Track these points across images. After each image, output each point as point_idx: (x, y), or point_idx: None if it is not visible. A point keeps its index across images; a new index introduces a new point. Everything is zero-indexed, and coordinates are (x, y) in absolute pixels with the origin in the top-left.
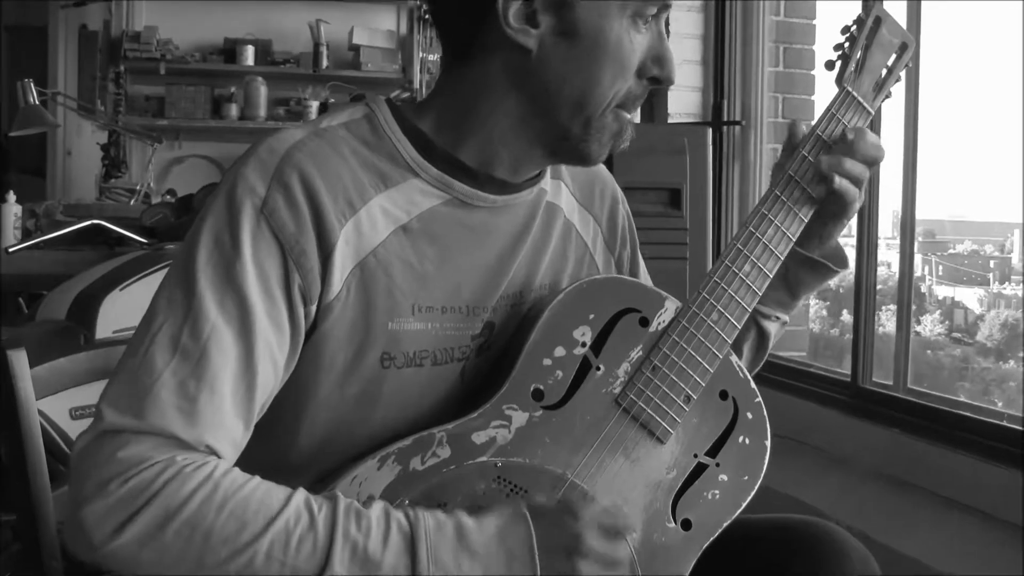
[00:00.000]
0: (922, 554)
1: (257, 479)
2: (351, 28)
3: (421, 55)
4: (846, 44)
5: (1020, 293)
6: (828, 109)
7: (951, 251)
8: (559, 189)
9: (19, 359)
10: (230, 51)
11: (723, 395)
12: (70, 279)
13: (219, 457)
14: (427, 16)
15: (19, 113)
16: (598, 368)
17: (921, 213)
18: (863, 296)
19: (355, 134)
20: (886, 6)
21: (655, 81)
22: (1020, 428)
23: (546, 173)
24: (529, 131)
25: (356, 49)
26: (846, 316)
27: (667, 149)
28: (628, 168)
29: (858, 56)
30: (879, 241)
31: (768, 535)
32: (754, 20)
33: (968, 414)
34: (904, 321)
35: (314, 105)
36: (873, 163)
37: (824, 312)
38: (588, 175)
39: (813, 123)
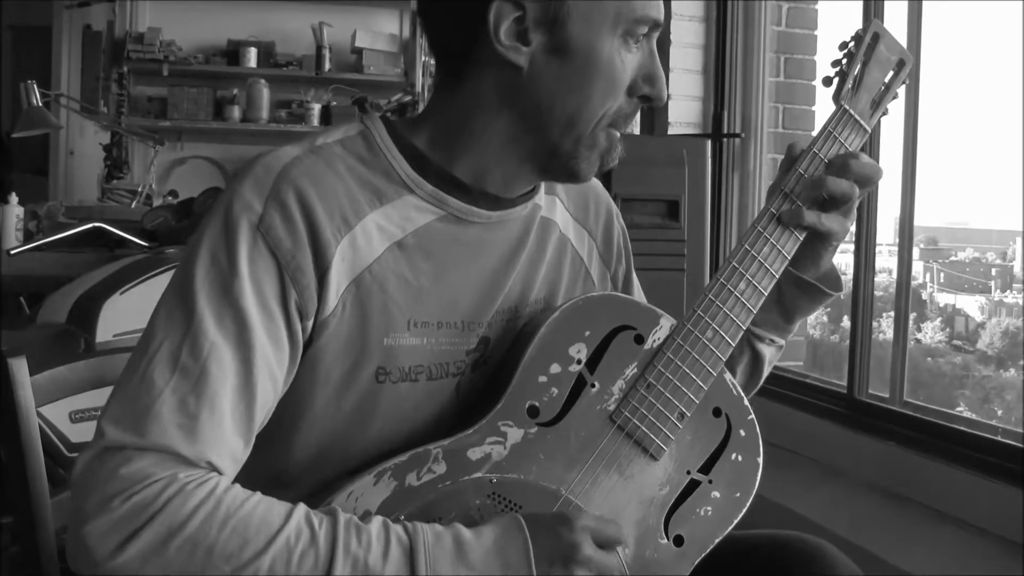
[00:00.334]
0: (915, 568)
1: (259, 495)
2: (354, 31)
3: (423, 58)
4: (844, 61)
5: (1021, 301)
6: (825, 127)
7: (953, 258)
8: (554, 204)
9: (19, 367)
10: (233, 53)
11: (716, 412)
12: (71, 282)
13: (220, 473)
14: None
15: (22, 114)
16: (593, 385)
17: (923, 220)
18: (860, 307)
19: (350, 151)
20: (888, 8)
21: (646, 99)
22: (1015, 443)
23: (540, 188)
24: (520, 148)
25: (358, 52)
26: (846, 322)
27: (666, 161)
28: (627, 180)
29: (856, 73)
30: (882, 248)
31: (759, 551)
32: (755, 30)
33: (964, 428)
34: (901, 332)
35: (316, 108)
36: (867, 183)
37: (824, 318)
38: (582, 190)
39: (810, 142)
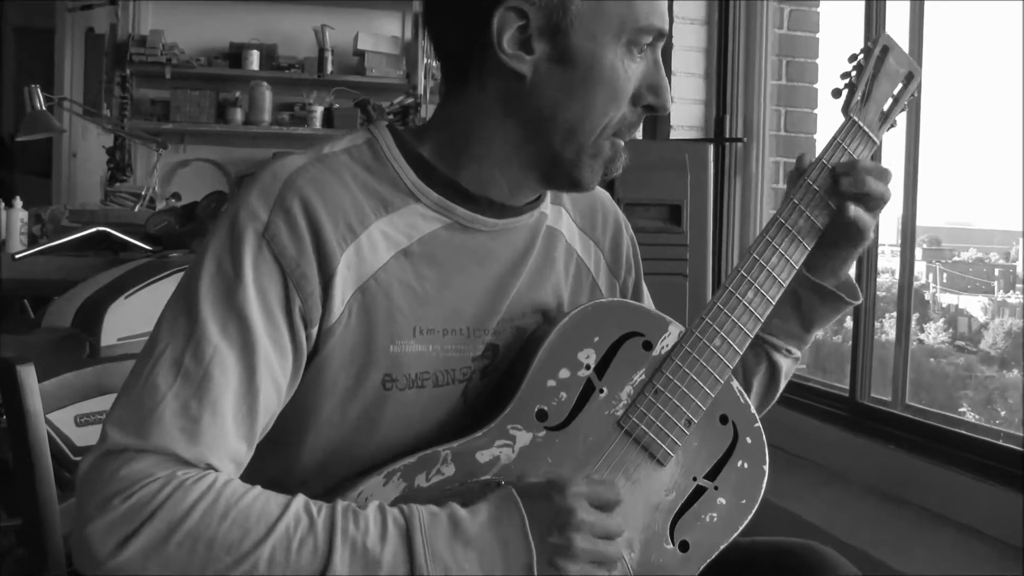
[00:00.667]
0: (916, 571)
1: (258, 488)
2: (356, 33)
3: (426, 61)
4: (853, 73)
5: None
6: (834, 139)
7: (956, 259)
8: (560, 215)
9: (28, 374)
10: (235, 56)
11: (723, 419)
12: (75, 286)
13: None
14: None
15: (26, 118)
16: (601, 390)
17: (926, 220)
18: (862, 310)
19: (357, 160)
20: (890, 8)
21: (650, 109)
22: (1017, 448)
23: (546, 197)
24: (524, 156)
25: (361, 54)
26: (849, 323)
27: (668, 165)
28: (629, 184)
29: (865, 85)
30: (884, 248)
31: (764, 558)
32: (757, 33)
33: (966, 432)
34: (903, 335)
35: (318, 110)
36: (880, 197)
37: None
38: (589, 200)
39: (818, 153)
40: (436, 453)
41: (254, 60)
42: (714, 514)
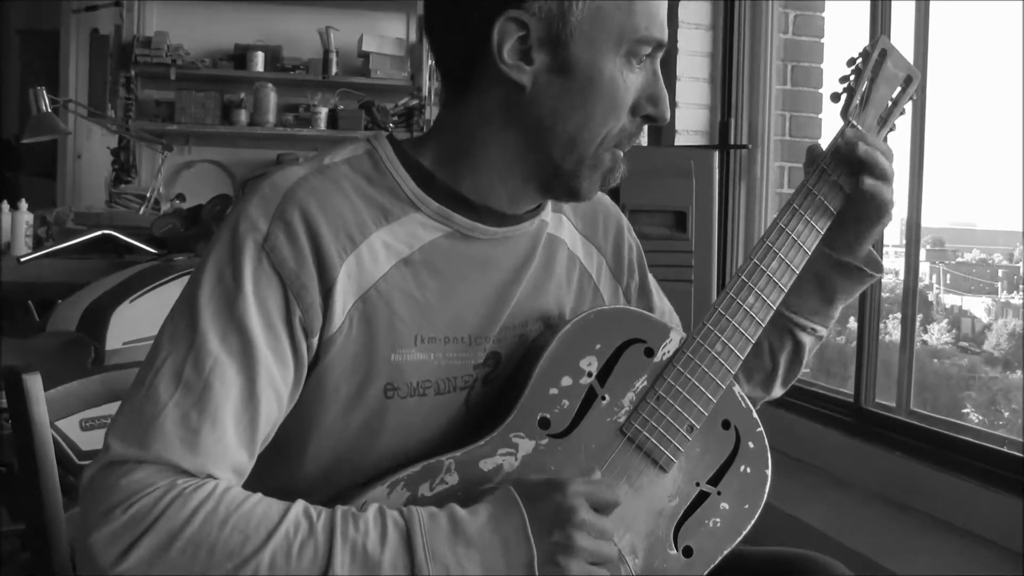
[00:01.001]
0: None
1: (258, 495)
2: (360, 35)
3: (430, 63)
4: (851, 77)
5: None
6: (833, 142)
7: (959, 259)
8: (560, 222)
9: (34, 383)
10: (240, 57)
11: (725, 425)
12: (80, 290)
13: None
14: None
15: (31, 120)
16: (603, 398)
17: (929, 221)
18: (867, 316)
19: (357, 170)
20: (895, 8)
21: (649, 119)
22: (1020, 455)
23: (547, 205)
24: (523, 165)
25: (365, 56)
26: (852, 323)
27: (673, 172)
28: (634, 191)
29: (863, 89)
30: (888, 249)
31: (766, 568)
32: (762, 38)
33: (970, 439)
34: (908, 340)
35: (323, 111)
36: (885, 172)
37: None
38: (591, 205)
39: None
40: (440, 462)
41: (259, 61)
42: (717, 519)
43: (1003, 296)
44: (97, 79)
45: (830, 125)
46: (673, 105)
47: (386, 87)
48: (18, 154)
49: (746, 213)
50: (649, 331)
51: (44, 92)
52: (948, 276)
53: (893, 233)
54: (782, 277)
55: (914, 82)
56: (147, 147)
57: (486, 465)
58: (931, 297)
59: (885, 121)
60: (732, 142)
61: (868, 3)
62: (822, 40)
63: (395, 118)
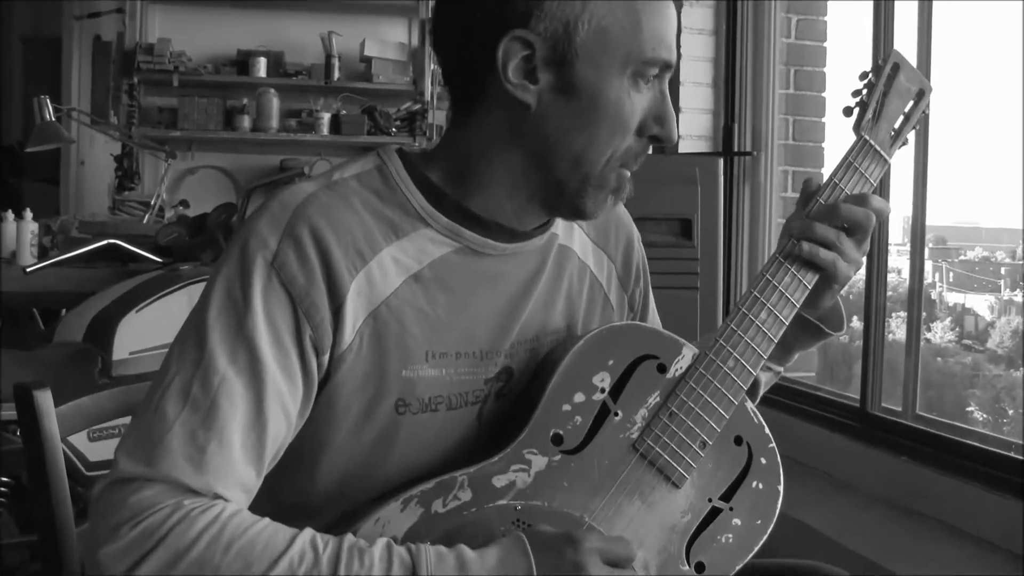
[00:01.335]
0: None
1: (266, 520)
2: (363, 40)
3: (432, 67)
4: (864, 91)
5: None
6: (845, 158)
7: (962, 257)
8: (571, 231)
9: (44, 399)
10: (243, 63)
11: (738, 440)
12: (86, 300)
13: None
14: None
15: (35, 129)
16: (616, 414)
17: (932, 219)
18: (872, 319)
19: (366, 186)
20: (898, 8)
21: (656, 140)
22: (1022, 457)
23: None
24: (529, 184)
25: (368, 61)
26: (856, 323)
27: (678, 179)
28: (639, 199)
29: (876, 103)
30: (891, 247)
31: None
32: (765, 43)
33: (976, 444)
34: (913, 342)
35: (326, 117)
36: (860, 224)
37: None
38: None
39: (831, 173)
40: (453, 478)
41: (261, 67)
42: (729, 535)
43: (1006, 294)
44: (100, 85)
45: (833, 130)
46: (677, 110)
47: (388, 92)
48: (21, 160)
49: (750, 218)
50: (662, 347)
51: (48, 101)
52: (951, 274)
53: (896, 231)
54: (794, 293)
55: (926, 96)
56: (150, 154)
57: (499, 481)
58: (934, 295)
59: (898, 135)
60: (736, 146)
61: (871, 6)
62: (825, 44)
63: (398, 123)
